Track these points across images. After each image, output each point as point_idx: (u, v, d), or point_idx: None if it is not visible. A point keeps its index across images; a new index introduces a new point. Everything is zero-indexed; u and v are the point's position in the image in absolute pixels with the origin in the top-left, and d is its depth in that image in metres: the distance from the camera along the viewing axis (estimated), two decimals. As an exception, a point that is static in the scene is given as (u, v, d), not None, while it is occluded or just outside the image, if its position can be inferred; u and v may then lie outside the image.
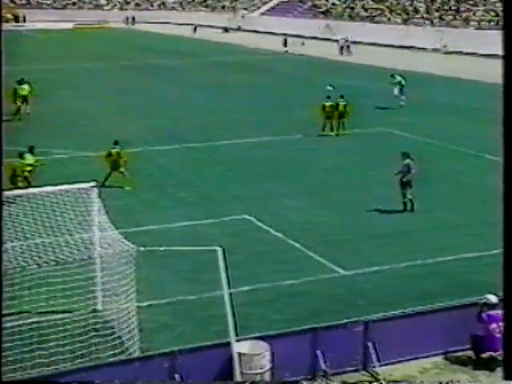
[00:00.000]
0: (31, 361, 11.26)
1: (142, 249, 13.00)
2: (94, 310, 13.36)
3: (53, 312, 13.04)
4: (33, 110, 34.19)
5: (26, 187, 19.17)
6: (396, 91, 36.26)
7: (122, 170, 22.27)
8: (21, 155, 21.09)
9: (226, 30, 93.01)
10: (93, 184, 13.63)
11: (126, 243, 12.70)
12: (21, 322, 12.70)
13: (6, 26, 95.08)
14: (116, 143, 22.57)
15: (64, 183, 14.14)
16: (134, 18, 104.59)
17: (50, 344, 11.82)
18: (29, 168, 20.98)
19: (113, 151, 22.35)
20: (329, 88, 34.32)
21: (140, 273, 12.37)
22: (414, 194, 19.77)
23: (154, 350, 11.48)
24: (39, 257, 14.43)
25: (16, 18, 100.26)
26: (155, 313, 13.59)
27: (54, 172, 22.51)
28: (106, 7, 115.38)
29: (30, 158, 21.32)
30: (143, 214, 19.80)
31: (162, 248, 15.91)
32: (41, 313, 13.04)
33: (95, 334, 12.29)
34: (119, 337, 12.22)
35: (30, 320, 12.87)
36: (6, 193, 13.78)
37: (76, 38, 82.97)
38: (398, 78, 36.67)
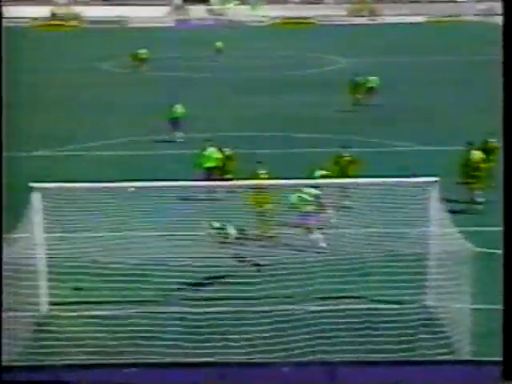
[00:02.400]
0: (362, 345, 11.65)
1: (479, 250, 12.54)
2: (425, 306, 13.33)
3: (383, 301, 13.31)
4: (375, 102, 35.07)
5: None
6: None
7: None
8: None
9: None
10: (434, 179, 13.53)
11: (464, 242, 12.36)
12: (355, 307, 13.22)
13: (359, 21, 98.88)
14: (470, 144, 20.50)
15: (403, 176, 14.30)
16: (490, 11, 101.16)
17: (379, 332, 12.13)
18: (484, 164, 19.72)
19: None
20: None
21: (476, 274, 11.96)
22: None
23: (483, 356, 11.13)
24: (375, 246, 14.84)
25: (370, 13, 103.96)
26: (487, 318, 13.06)
27: (394, 164, 22.85)
28: None
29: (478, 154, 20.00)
30: (483, 214, 19.11)
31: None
32: (373, 300, 13.42)
33: (423, 329, 12.26)
34: (449, 337, 12.04)
35: (365, 306, 13.31)
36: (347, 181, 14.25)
37: (424, 33, 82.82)
38: None
